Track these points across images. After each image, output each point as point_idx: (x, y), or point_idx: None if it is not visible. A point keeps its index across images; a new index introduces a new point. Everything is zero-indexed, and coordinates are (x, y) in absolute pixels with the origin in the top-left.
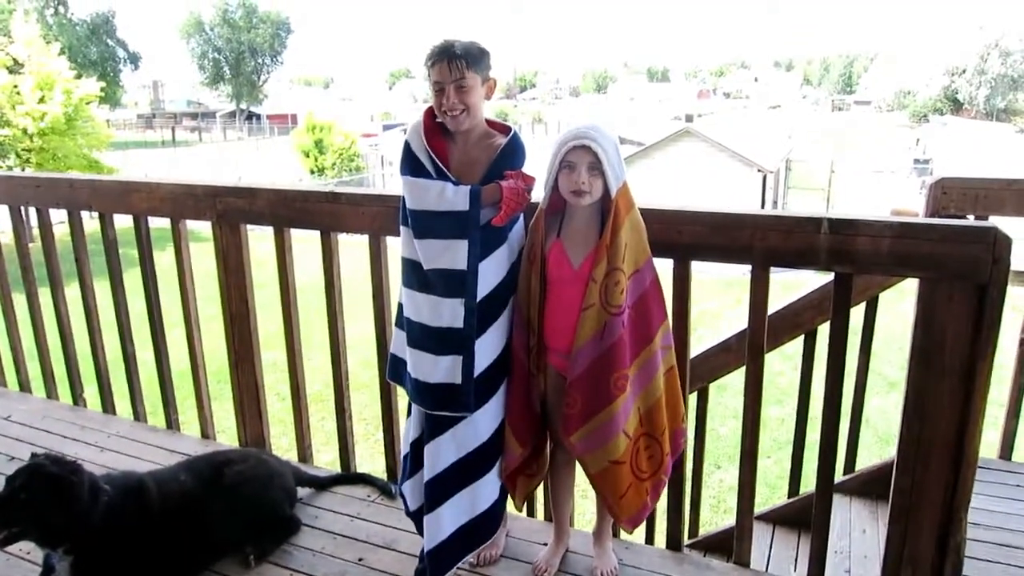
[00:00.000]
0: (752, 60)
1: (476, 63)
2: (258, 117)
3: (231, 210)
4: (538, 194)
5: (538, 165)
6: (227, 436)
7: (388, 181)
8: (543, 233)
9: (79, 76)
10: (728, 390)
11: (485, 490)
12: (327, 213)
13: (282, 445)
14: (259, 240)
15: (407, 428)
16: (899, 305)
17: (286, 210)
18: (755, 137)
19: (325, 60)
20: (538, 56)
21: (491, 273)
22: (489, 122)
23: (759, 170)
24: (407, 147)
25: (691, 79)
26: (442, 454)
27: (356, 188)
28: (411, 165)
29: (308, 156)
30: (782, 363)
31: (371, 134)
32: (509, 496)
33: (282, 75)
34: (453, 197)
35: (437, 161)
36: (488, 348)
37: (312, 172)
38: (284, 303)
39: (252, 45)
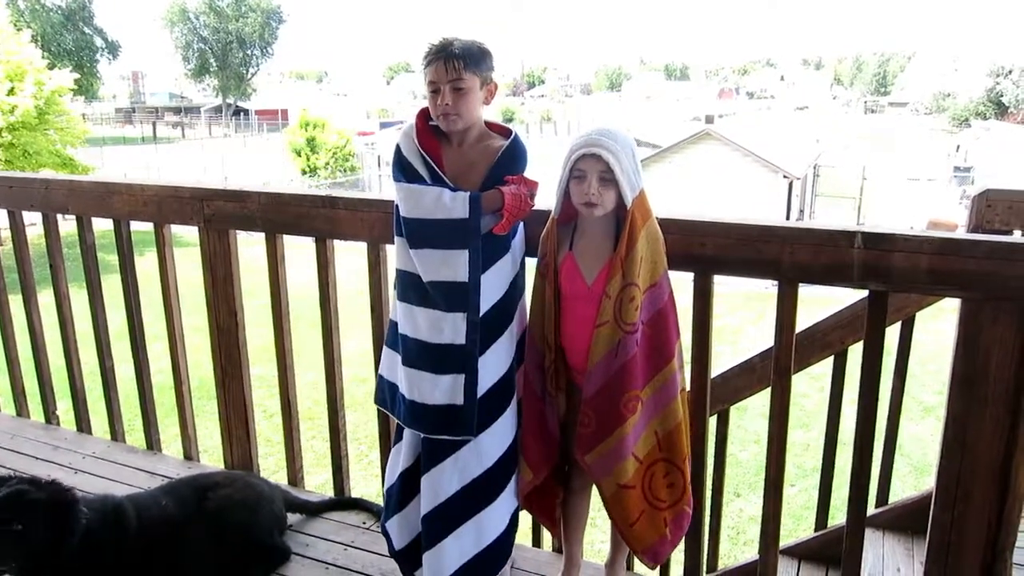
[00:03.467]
0: (779, 57)
1: (475, 64)
2: (246, 112)
3: (220, 214)
4: (544, 201)
5: (547, 167)
6: (212, 457)
7: (385, 183)
8: (555, 245)
9: (52, 66)
10: (748, 412)
11: (492, 520)
12: (323, 219)
13: (269, 466)
14: (249, 244)
15: (393, 459)
16: (935, 323)
17: (279, 215)
18: (781, 140)
19: (319, 52)
20: (547, 51)
21: (494, 285)
22: (488, 124)
23: (785, 176)
24: (398, 152)
25: (712, 77)
26: (443, 483)
27: (353, 192)
28: (404, 170)
29: (300, 155)
30: (808, 384)
31: (367, 132)
32: (530, 521)
33: (272, 68)
34: (451, 204)
35: (433, 164)
36: (492, 365)
37: (304, 172)
38: (275, 315)
39: (240, 35)
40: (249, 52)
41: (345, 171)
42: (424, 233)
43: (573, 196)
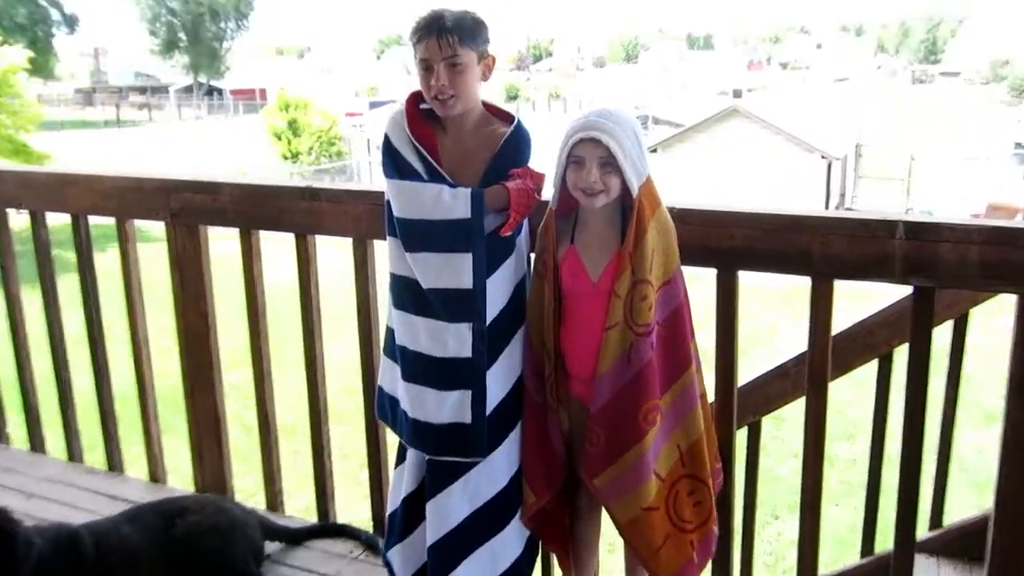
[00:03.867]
0: (814, 23)
1: (470, 37)
2: (220, 92)
3: (189, 208)
4: (548, 192)
5: (553, 150)
6: (180, 478)
7: (376, 170)
8: (555, 238)
9: (3, 42)
10: (786, 423)
11: (507, 545)
12: (304, 212)
13: (246, 487)
14: (221, 238)
15: (396, 481)
16: (998, 319)
17: (255, 208)
18: (818, 116)
19: (300, 25)
20: (555, 20)
21: (500, 290)
22: (487, 106)
23: (823, 156)
24: (387, 143)
25: (740, 46)
26: (453, 509)
27: (338, 184)
28: (395, 164)
29: (280, 139)
30: (852, 390)
31: (355, 113)
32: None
33: (249, 42)
34: (451, 202)
35: (428, 157)
36: (501, 378)
37: (285, 158)
38: (251, 318)
39: (213, 6)
40: (223, 25)
41: (331, 156)
42: (422, 235)
43: (571, 184)
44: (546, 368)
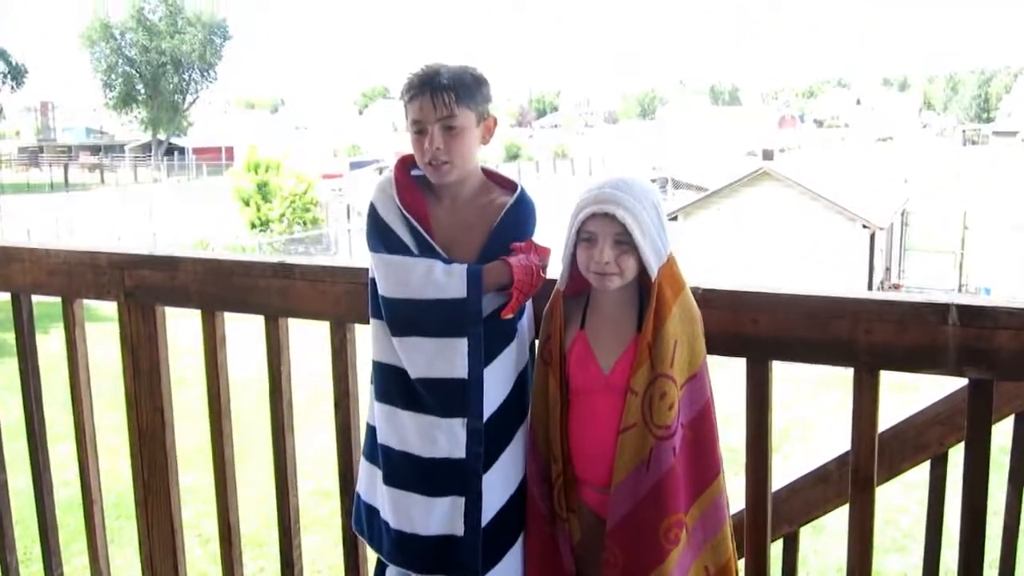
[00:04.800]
0: (853, 76)
1: (469, 96)
2: (181, 151)
3: (144, 287)
4: (554, 268)
5: (562, 215)
6: None
7: (356, 239)
8: (562, 323)
9: None
10: (827, 533)
11: None
12: (275, 292)
13: None
14: (181, 317)
15: None
16: None
17: (219, 287)
18: (859, 180)
19: (274, 75)
20: (561, 71)
21: (499, 380)
22: (486, 172)
23: (865, 226)
24: (373, 213)
25: (770, 101)
26: None
27: (314, 258)
28: (382, 237)
29: (248, 204)
30: (904, 496)
31: (334, 175)
32: None
33: (215, 95)
34: (445, 280)
35: (419, 228)
36: (500, 483)
37: (253, 226)
38: (213, 415)
39: (176, 55)
40: (186, 76)
41: (305, 224)
42: (411, 318)
43: (581, 264)
44: (553, 472)
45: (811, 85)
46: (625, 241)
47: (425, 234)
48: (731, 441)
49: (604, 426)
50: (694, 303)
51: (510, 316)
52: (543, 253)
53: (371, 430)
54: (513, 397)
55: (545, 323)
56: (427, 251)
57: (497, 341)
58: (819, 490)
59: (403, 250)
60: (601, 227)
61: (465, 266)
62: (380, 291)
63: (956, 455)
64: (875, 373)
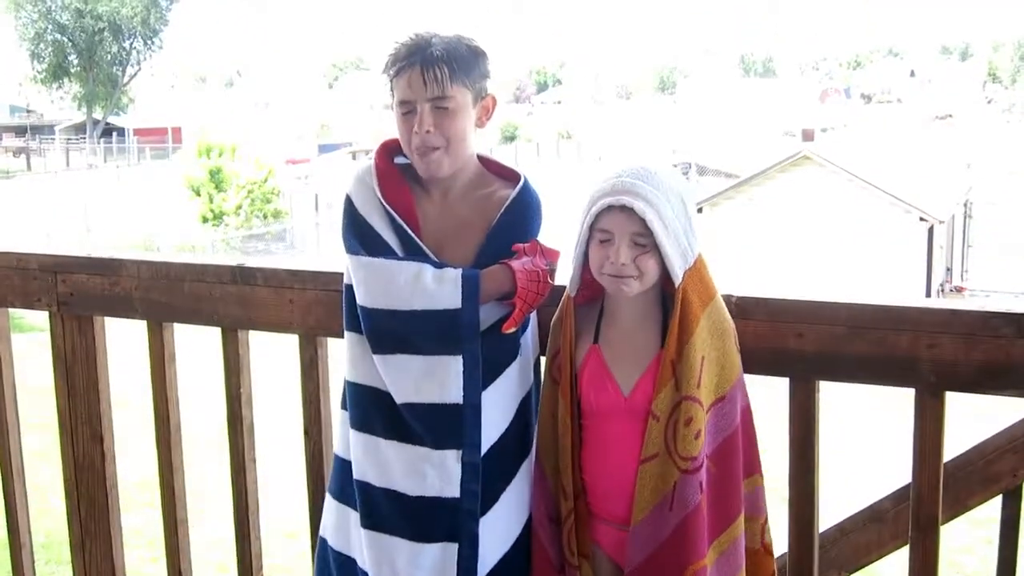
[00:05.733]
0: (906, 44)
1: (465, 71)
2: (121, 132)
3: (80, 294)
4: (563, 273)
5: (568, 207)
6: None
7: (325, 235)
8: (573, 335)
9: None
10: None
11: None
12: (233, 300)
13: None
14: (124, 329)
15: None
16: None
17: (168, 295)
18: (914, 165)
19: (229, 43)
20: (564, 38)
21: (500, 406)
22: (483, 161)
23: (922, 219)
24: (350, 208)
25: (810, 73)
26: None
27: (277, 258)
28: (361, 236)
29: (199, 194)
30: (969, 534)
31: (300, 159)
32: None
33: (161, 67)
34: (435, 287)
35: (405, 226)
36: (501, 526)
37: (205, 219)
38: (161, 444)
39: (114, 20)
40: (126, 44)
41: (266, 217)
42: (396, 332)
43: (594, 266)
44: (563, 509)
45: (857, 54)
46: (646, 240)
47: (412, 233)
48: (771, 470)
49: (624, 455)
50: (727, 314)
51: (512, 330)
52: (551, 256)
53: (341, 463)
54: (516, 425)
55: (553, 335)
56: (414, 253)
57: (497, 359)
58: (872, 531)
59: (386, 252)
60: (618, 223)
61: (459, 271)
62: (359, 300)
63: None
64: (940, 395)
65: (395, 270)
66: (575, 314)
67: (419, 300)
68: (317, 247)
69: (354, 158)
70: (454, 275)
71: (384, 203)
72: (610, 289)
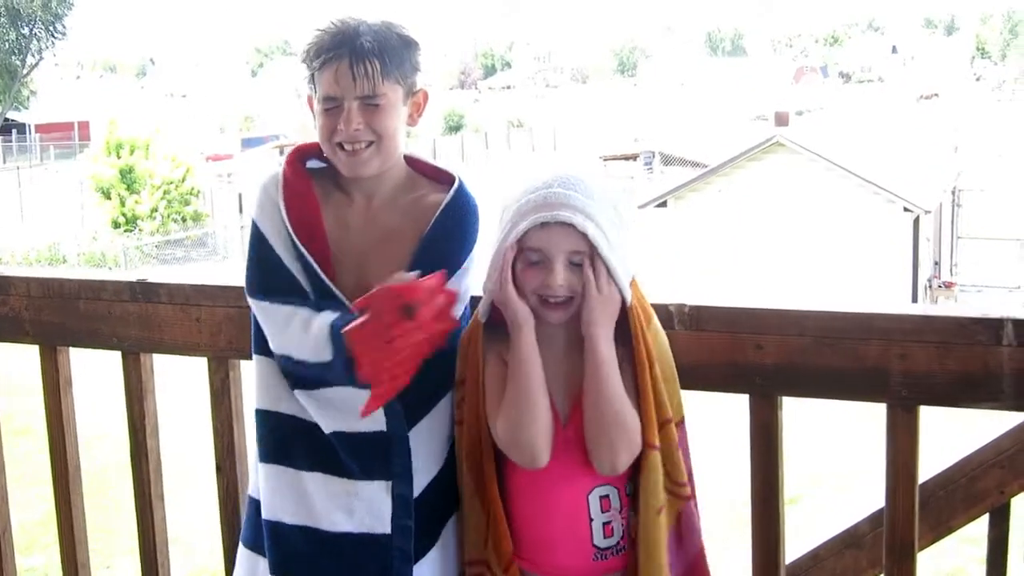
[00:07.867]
0: (887, 18)
1: (397, 64)
2: (21, 128)
3: None
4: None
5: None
6: None
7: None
8: (481, 365)
9: None
10: None
11: None
12: (134, 320)
13: None
14: (14, 352)
15: None
16: None
17: (62, 315)
18: (898, 150)
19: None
20: (514, 18)
21: (434, 440)
22: (413, 162)
23: (906, 209)
24: (257, 236)
25: (783, 50)
26: None
27: (186, 270)
28: (265, 271)
29: (109, 196)
30: (957, 553)
31: (222, 156)
32: None
33: (65, 56)
34: (315, 339)
35: (301, 247)
36: (439, 573)
37: (117, 224)
38: (58, 479)
39: (11, 5)
40: (26, 31)
41: (184, 220)
42: (304, 374)
43: (528, 289)
44: (490, 564)
45: (835, 30)
46: (580, 258)
47: (308, 256)
48: (732, 495)
49: (560, 495)
50: (664, 334)
51: (371, 412)
52: (450, 296)
53: (255, 506)
54: (454, 464)
55: (460, 366)
56: (314, 280)
57: (425, 391)
58: (849, 558)
59: (289, 287)
60: (554, 241)
61: (329, 323)
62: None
63: (1020, 504)
64: (913, 409)
65: (286, 316)
66: (484, 338)
67: (306, 350)
68: (243, 253)
69: (282, 153)
70: (324, 325)
71: (289, 229)
72: (541, 314)
